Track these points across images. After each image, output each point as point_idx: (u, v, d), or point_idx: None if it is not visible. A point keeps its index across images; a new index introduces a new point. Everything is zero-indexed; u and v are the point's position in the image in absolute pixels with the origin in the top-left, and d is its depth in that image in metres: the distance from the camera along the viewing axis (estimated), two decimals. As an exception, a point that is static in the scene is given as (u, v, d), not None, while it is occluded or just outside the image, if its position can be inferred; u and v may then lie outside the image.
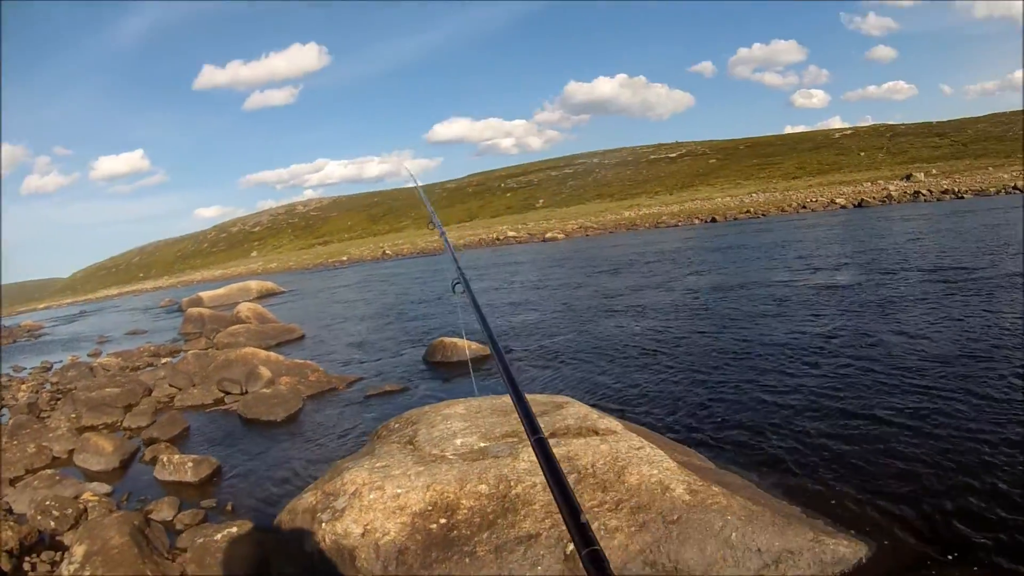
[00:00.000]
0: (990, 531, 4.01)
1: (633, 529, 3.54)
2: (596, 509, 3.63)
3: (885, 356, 7.93)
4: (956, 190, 50.20)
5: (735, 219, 51.37)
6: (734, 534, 3.60)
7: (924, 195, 50.57)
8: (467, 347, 10.95)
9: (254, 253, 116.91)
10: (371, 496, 3.85)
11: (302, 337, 15.92)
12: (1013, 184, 48.22)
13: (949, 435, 5.40)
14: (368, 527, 3.63)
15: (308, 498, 4.07)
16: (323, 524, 3.73)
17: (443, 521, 3.63)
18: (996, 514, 4.16)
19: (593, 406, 5.22)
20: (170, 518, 5.58)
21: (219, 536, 4.51)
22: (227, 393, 10.14)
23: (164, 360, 14.37)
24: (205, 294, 29.08)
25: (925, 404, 6.14)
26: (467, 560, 3.42)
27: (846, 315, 10.60)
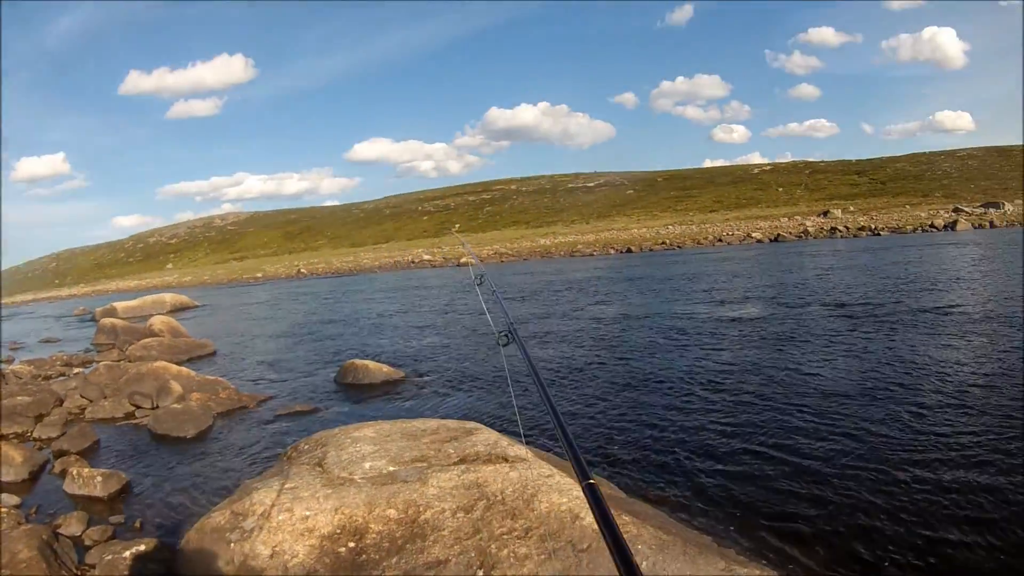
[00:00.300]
0: (894, 554, 4.27)
1: (543, 557, 3.56)
2: (505, 536, 3.66)
3: (788, 388, 8.31)
4: (873, 227, 52.13)
5: (651, 250, 52.46)
6: (645, 563, 3.63)
7: (841, 231, 52.39)
8: (379, 370, 11.00)
9: (170, 265, 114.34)
10: (280, 517, 3.84)
11: (214, 353, 15.83)
12: (930, 222, 50.34)
13: (851, 464, 5.68)
14: (277, 549, 3.62)
15: (217, 517, 4.03)
16: (231, 544, 3.71)
17: (352, 545, 3.64)
18: (900, 538, 4.44)
19: (502, 432, 5.30)
20: (79, 533, 5.44)
21: (127, 554, 4.44)
22: (138, 407, 9.92)
23: (76, 370, 14.03)
24: (119, 305, 28.74)
25: (829, 435, 6.43)
26: (375, 584, 3.42)
27: (749, 348, 11.06)
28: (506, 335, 2.69)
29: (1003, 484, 5.08)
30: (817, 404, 7.51)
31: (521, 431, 7.16)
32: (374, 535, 3.71)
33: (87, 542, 5.30)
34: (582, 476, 1.43)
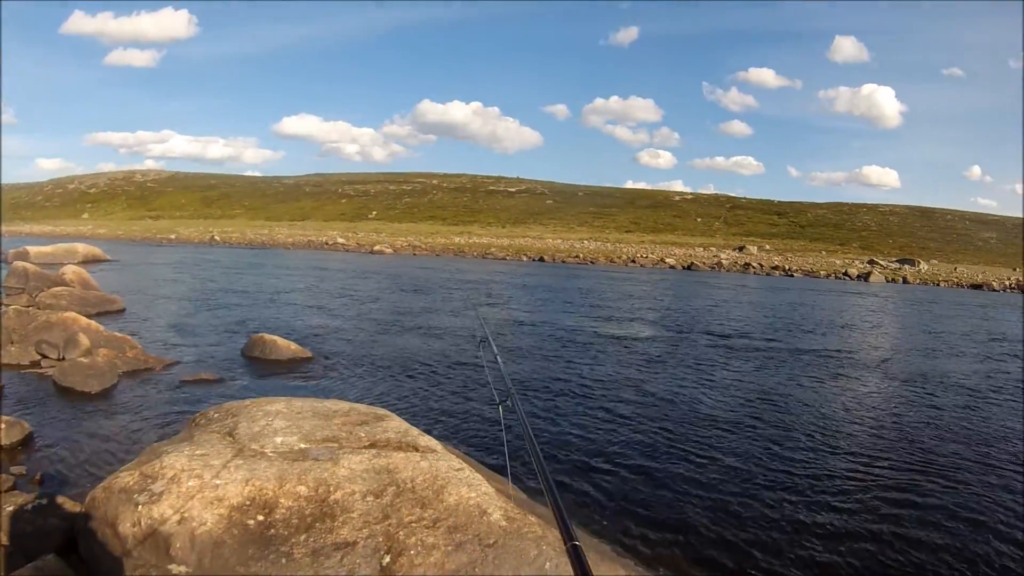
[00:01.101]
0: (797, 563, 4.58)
1: (450, 548, 3.62)
2: (414, 524, 3.72)
3: (658, 409, 8.77)
4: (787, 267, 53.95)
5: (563, 262, 53.16)
6: (548, 563, 3.73)
7: (754, 267, 54.00)
8: (287, 347, 10.96)
9: (86, 215, 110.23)
10: (190, 483, 3.81)
11: (123, 310, 15.55)
12: (844, 270, 52.34)
13: (738, 477, 5.98)
14: (185, 515, 3.61)
15: (125, 478, 3.97)
16: (139, 507, 3.66)
17: (261, 518, 3.65)
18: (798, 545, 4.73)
19: (411, 423, 5.39)
20: (-24, 479, 5.30)
21: (29, 507, 4.35)
22: (45, 356, 9.67)
23: (-19, 310, 13.45)
24: (32, 249, 28.01)
25: (687, 456, 6.74)
26: (283, 561, 3.45)
27: (632, 366, 11.58)
28: (507, 400, 2.81)
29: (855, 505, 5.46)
30: (678, 426, 7.97)
31: (428, 423, 7.29)
32: (284, 510, 3.72)
33: (-14, 490, 5.17)
34: (567, 537, 1.45)
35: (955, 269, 61.27)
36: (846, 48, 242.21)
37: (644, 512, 5.52)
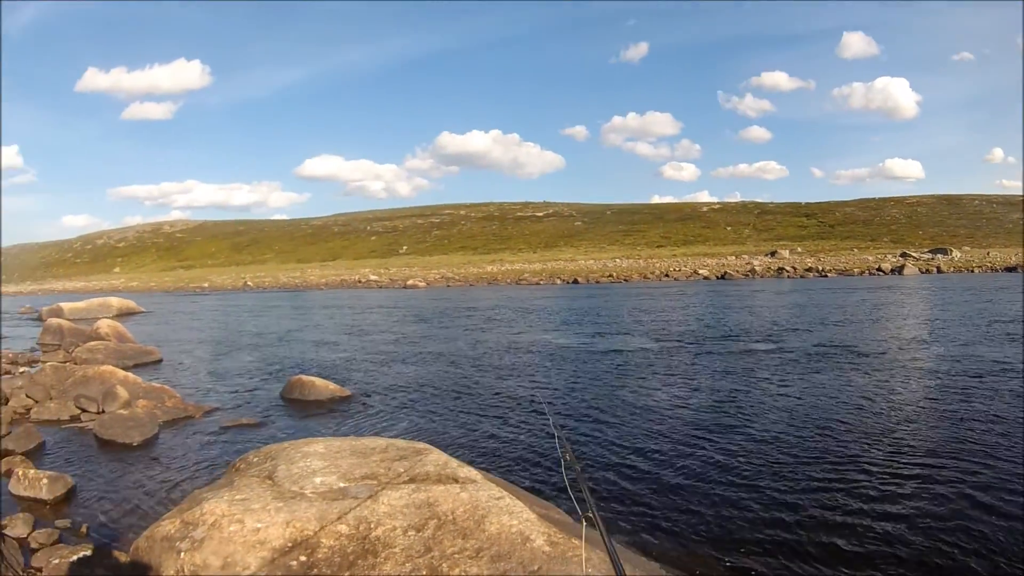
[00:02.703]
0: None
1: None
2: (457, 555, 3.68)
3: (744, 418, 8.56)
4: (820, 268, 53.40)
5: (597, 282, 53.15)
6: None
7: (788, 271, 53.51)
8: (326, 387, 10.99)
9: (117, 269, 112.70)
10: (231, 528, 3.82)
11: (160, 361, 15.73)
12: (877, 266, 51.74)
13: (804, 494, 5.84)
14: (228, 560, 3.62)
15: (167, 526, 4.00)
16: (182, 554, 3.68)
17: (303, 559, 3.64)
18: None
19: (452, 455, 5.35)
20: (24, 535, 5.36)
21: (75, 559, 4.40)
22: (84, 411, 9.79)
23: (22, 369, 13.76)
24: (66, 305, 28.48)
25: (786, 466, 6.60)
26: (327, 599, 3.42)
27: (700, 378, 11.37)
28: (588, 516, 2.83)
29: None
30: (774, 438, 7.76)
31: (470, 454, 7.24)
32: (325, 550, 3.71)
33: (33, 545, 5.22)
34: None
35: (988, 254, 60.48)
36: (855, 44, 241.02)
37: (704, 535, 5.42)
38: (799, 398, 9.80)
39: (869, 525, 5.28)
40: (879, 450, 7.18)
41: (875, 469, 6.56)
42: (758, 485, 6.27)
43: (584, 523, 2.83)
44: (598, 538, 4.92)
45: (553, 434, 3.60)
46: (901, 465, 6.66)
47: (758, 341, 15.63)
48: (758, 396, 10.03)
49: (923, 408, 9.01)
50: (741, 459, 7.04)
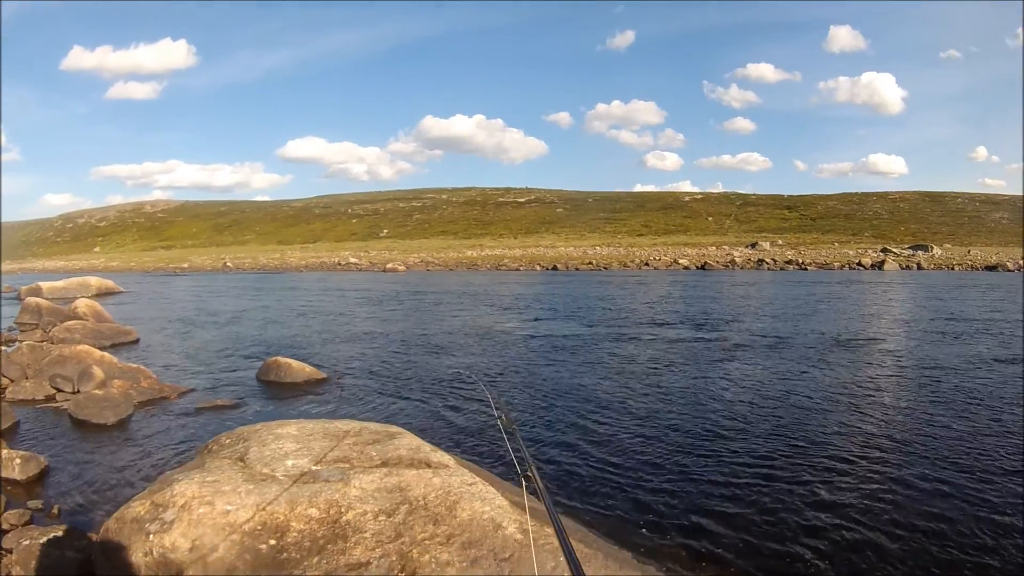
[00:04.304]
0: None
1: (464, 564, 3.59)
2: (428, 541, 3.69)
3: (719, 409, 8.60)
4: (800, 261, 53.77)
5: (577, 269, 53.33)
6: (565, 574, 3.68)
7: (768, 263, 53.82)
8: (302, 369, 10.98)
9: (97, 248, 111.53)
10: (201, 511, 3.79)
11: (137, 341, 15.65)
12: (858, 261, 52.12)
13: (776, 486, 5.89)
14: (197, 542, 3.60)
15: (136, 507, 3.96)
16: (151, 536, 3.66)
17: (273, 542, 3.63)
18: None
19: (425, 439, 5.35)
20: (-5, 516, 5.32)
21: (45, 540, 4.36)
22: (59, 390, 9.71)
23: (-2, 347, 13.57)
24: (45, 284, 28.32)
25: (749, 453, 6.65)
26: (295, 583, 3.41)
27: (672, 368, 11.41)
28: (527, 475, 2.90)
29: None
30: (737, 426, 7.82)
31: (443, 440, 7.26)
32: (295, 533, 3.70)
33: (4, 526, 5.19)
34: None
35: (968, 252, 61.04)
36: (842, 37, 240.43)
37: (666, 520, 5.46)
38: (756, 385, 9.92)
39: (812, 491, 5.34)
40: (821, 428, 7.27)
41: (816, 446, 6.63)
42: (695, 462, 6.36)
43: (524, 481, 2.83)
44: (571, 527, 4.97)
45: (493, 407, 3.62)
46: (847, 439, 6.74)
47: (721, 329, 15.78)
48: (699, 382, 10.16)
49: (860, 395, 9.18)
50: (676, 440, 7.11)
